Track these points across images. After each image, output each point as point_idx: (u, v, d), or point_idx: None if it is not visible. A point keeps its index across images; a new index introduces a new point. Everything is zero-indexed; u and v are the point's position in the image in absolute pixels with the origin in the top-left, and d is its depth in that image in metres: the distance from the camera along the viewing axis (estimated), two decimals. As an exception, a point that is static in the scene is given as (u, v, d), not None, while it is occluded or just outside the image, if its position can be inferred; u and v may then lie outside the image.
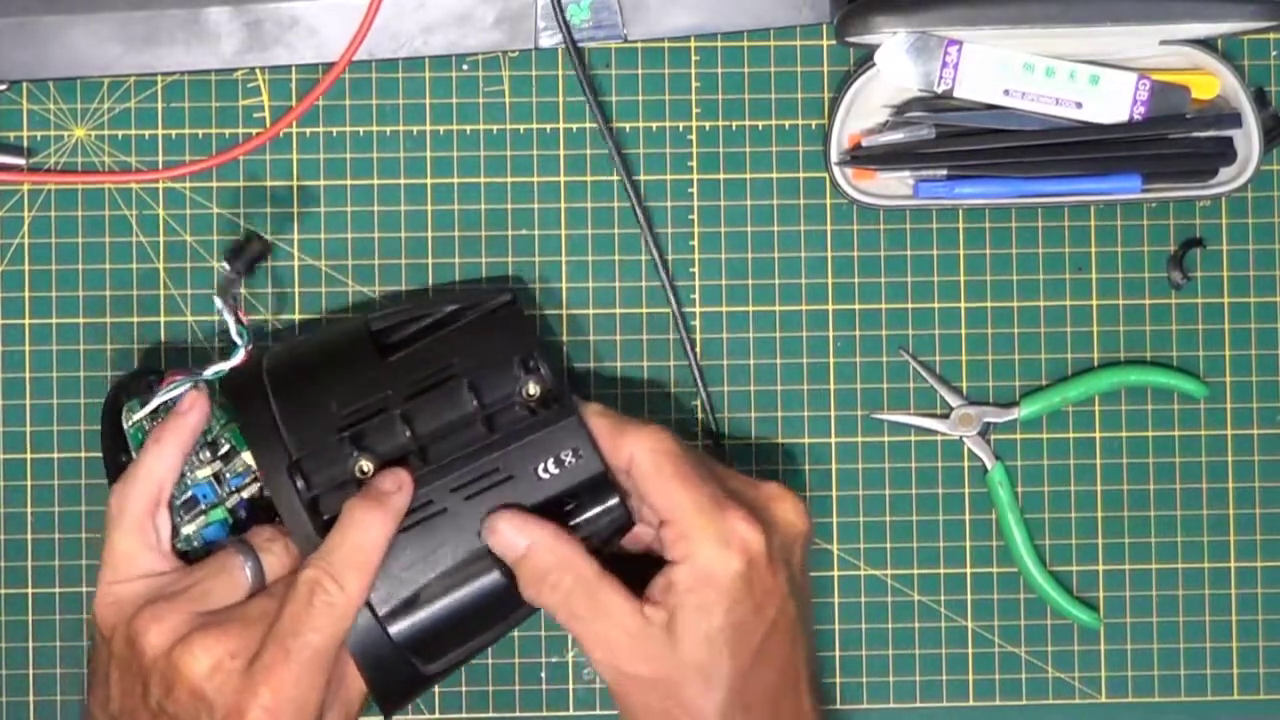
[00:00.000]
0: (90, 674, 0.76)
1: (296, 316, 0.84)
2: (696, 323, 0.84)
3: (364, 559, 0.72)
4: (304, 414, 0.75)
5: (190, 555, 0.77)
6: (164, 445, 0.75)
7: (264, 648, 0.71)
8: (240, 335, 0.77)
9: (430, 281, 0.84)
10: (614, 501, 0.75)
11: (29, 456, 0.84)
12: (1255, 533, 0.85)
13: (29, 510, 0.84)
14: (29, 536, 0.84)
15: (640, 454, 0.74)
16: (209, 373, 0.77)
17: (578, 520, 0.75)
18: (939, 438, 0.85)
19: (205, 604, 0.73)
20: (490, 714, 0.84)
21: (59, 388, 0.83)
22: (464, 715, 0.84)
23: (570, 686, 0.84)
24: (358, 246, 0.84)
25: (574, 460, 0.75)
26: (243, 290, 0.83)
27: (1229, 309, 0.85)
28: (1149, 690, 0.85)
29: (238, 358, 0.77)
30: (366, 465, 0.75)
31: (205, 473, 0.77)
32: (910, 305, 0.85)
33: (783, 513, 0.74)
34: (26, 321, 0.84)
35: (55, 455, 0.83)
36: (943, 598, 0.85)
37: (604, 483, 0.75)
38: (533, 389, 0.75)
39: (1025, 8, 0.81)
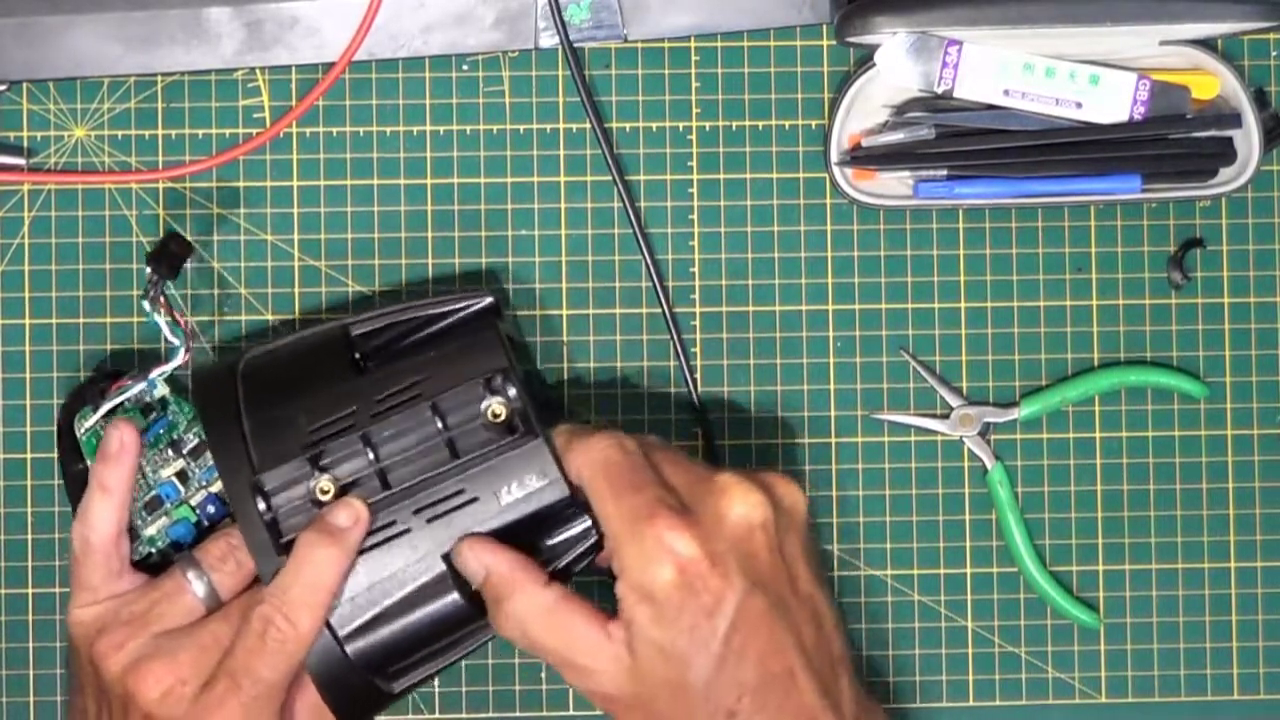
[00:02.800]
0: (70, 677, 0.78)
1: (296, 316, 0.84)
2: (696, 323, 0.84)
3: (317, 597, 0.73)
4: (272, 429, 0.75)
5: (152, 560, 0.78)
6: (110, 490, 0.77)
7: (216, 679, 0.73)
8: (176, 335, 0.78)
9: (430, 282, 0.84)
10: (585, 525, 0.75)
11: (29, 456, 0.84)
12: (1255, 533, 0.85)
13: (29, 510, 0.84)
14: (29, 536, 0.84)
15: (583, 468, 0.73)
16: (155, 374, 0.78)
17: (545, 543, 0.75)
18: (939, 438, 0.85)
19: (161, 626, 0.74)
20: (490, 714, 0.84)
21: (59, 388, 0.83)
22: (464, 715, 0.84)
23: (570, 686, 0.84)
24: (358, 246, 0.84)
25: (539, 483, 0.75)
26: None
27: (1229, 309, 0.85)
28: (1149, 690, 0.85)
29: (179, 358, 0.78)
30: (327, 486, 0.75)
31: (169, 471, 0.78)
32: (910, 305, 0.85)
33: (730, 506, 0.72)
34: (26, 321, 0.84)
35: (55, 455, 0.83)
36: (943, 598, 0.85)
37: (572, 505, 0.75)
38: (497, 410, 0.75)
39: (1025, 8, 0.81)
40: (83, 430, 0.78)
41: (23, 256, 0.84)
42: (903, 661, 0.85)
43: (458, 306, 0.78)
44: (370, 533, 0.74)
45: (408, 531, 0.74)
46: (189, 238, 0.82)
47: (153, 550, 0.78)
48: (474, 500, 0.74)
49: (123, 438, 0.77)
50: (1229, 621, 0.85)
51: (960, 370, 0.85)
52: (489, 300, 0.78)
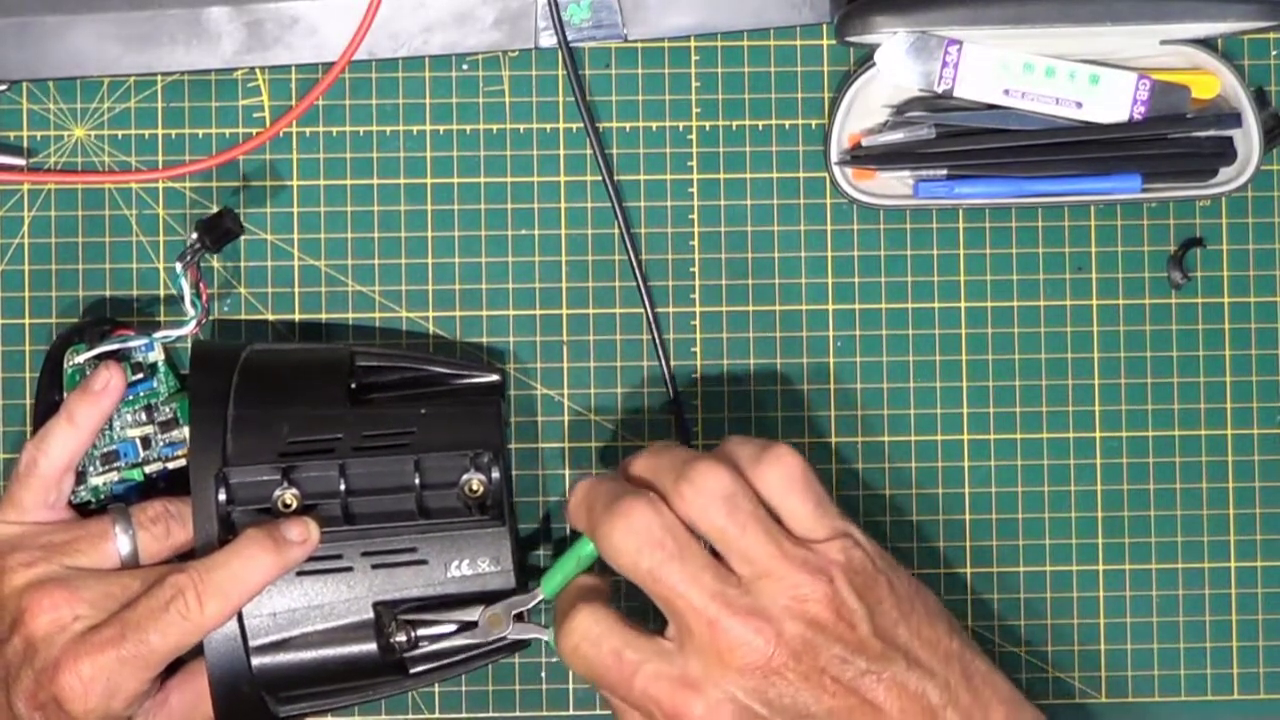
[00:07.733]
0: None
1: (296, 316, 0.84)
2: (696, 323, 0.84)
3: (236, 591, 0.73)
4: (254, 428, 0.76)
5: (90, 509, 0.79)
6: (77, 424, 0.77)
7: (106, 624, 0.73)
8: (194, 305, 0.79)
9: (430, 284, 0.84)
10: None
11: (29, 456, 0.84)
12: (1255, 533, 0.85)
13: (29, 510, 0.84)
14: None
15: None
16: (158, 335, 0.80)
17: (468, 619, 0.76)
18: (938, 437, 0.84)
19: (74, 561, 0.75)
20: (490, 714, 0.84)
21: (59, 388, 0.83)
22: (464, 715, 0.84)
23: (570, 686, 0.84)
24: (358, 246, 0.84)
25: (490, 569, 0.76)
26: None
27: (1229, 309, 0.85)
28: (1149, 690, 0.85)
29: (188, 328, 0.79)
30: (290, 500, 0.76)
31: (136, 433, 0.79)
32: (910, 305, 0.85)
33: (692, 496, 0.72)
34: (26, 321, 0.84)
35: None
36: (943, 598, 0.85)
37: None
38: (476, 486, 0.77)
39: (1025, 8, 0.81)
40: (70, 363, 0.79)
41: (23, 256, 0.84)
42: (903, 661, 0.85)
43: (466, 373, 0.80)
44: (315, 558, 0.75)
45: (350, 570, 0.76)
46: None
47: (93, 500, 0.79)
48: (423, 562, 0.76)
49: (110, 379, 0.77)
50: (1229, 621, 0.85)
51: (960, 370, 0.85)
52: (495, 378, 0.80)
